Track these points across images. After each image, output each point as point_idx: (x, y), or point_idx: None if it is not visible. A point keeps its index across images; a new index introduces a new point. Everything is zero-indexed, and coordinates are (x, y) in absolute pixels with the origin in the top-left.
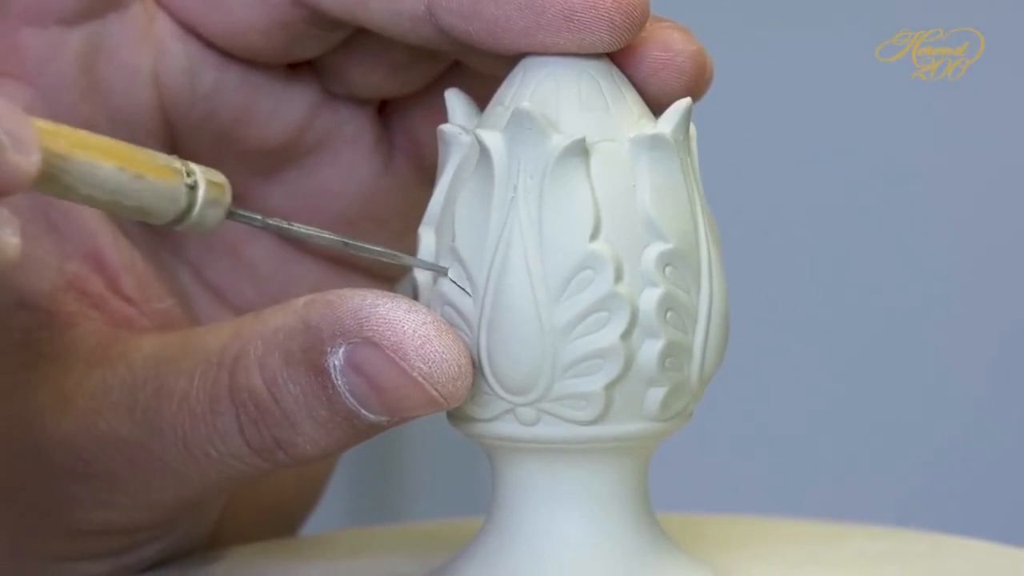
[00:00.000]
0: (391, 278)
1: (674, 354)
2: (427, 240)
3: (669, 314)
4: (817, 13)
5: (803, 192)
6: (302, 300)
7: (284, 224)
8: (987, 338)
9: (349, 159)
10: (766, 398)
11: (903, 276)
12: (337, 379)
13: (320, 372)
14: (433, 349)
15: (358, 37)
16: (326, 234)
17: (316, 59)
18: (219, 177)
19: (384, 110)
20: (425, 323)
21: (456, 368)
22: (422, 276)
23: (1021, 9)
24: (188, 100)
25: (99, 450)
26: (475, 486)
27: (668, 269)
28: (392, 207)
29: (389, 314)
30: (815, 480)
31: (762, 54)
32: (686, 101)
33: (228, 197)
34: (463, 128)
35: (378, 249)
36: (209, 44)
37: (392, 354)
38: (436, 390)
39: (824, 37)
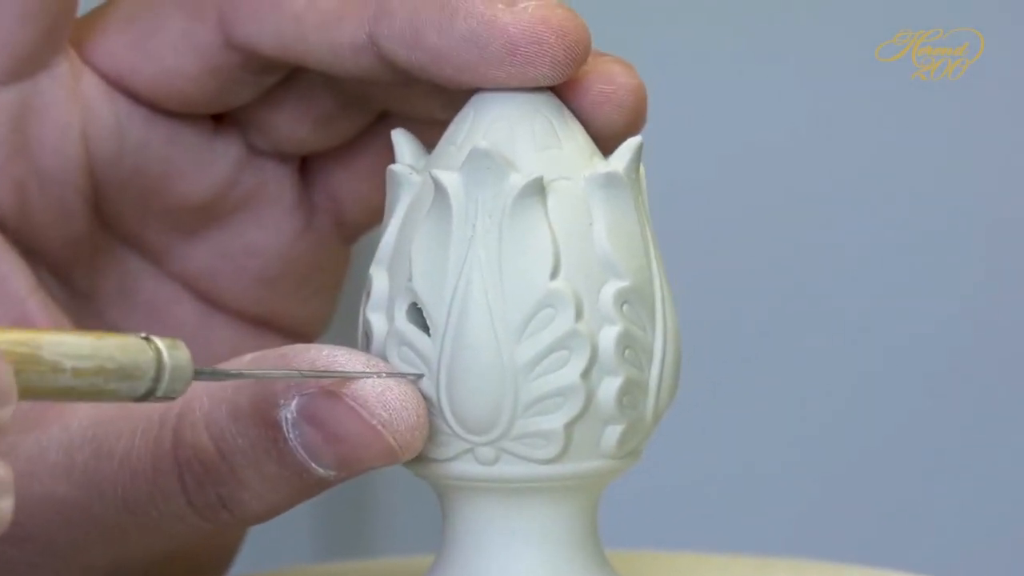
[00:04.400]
0: (310, 335)
1: (631, 391)
2: (380, 279)
3: (627, 352)
4: (817, 13)
5: (801, 193)
6: (249, 356)
7: (256, 372)
8: (941, 370)
9: (272, 218)
10: (706, 434)
11: (876, 294)
12: (289, 432)
13: (271, 425)
14: (393, 397)
15: (284, 85)
16: (296, 373)
17: (241, 113)
18: (180, 346)
19: (304, 169)
20: (384, 373)
21: (415, 417)
22: (375, 316)
23: (1021, 9)
24: (115, 157)
25: (35, 512)
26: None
27: (625, 307)
28: (312, 265)
29: (347, 365)
30: (754, 515)
31: (762, 54)
32: (637, 139)
33: (190, 365)
34: (412, 168)
35: (354, 372)
36: (136, 99)
37: (352, 402)
38: (394, 439)
39: (824, 37)
